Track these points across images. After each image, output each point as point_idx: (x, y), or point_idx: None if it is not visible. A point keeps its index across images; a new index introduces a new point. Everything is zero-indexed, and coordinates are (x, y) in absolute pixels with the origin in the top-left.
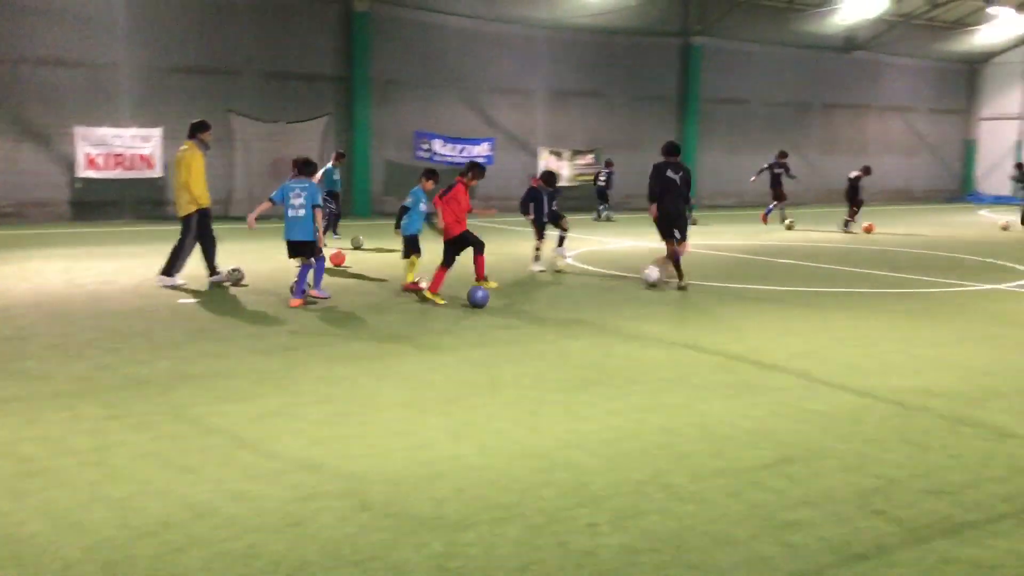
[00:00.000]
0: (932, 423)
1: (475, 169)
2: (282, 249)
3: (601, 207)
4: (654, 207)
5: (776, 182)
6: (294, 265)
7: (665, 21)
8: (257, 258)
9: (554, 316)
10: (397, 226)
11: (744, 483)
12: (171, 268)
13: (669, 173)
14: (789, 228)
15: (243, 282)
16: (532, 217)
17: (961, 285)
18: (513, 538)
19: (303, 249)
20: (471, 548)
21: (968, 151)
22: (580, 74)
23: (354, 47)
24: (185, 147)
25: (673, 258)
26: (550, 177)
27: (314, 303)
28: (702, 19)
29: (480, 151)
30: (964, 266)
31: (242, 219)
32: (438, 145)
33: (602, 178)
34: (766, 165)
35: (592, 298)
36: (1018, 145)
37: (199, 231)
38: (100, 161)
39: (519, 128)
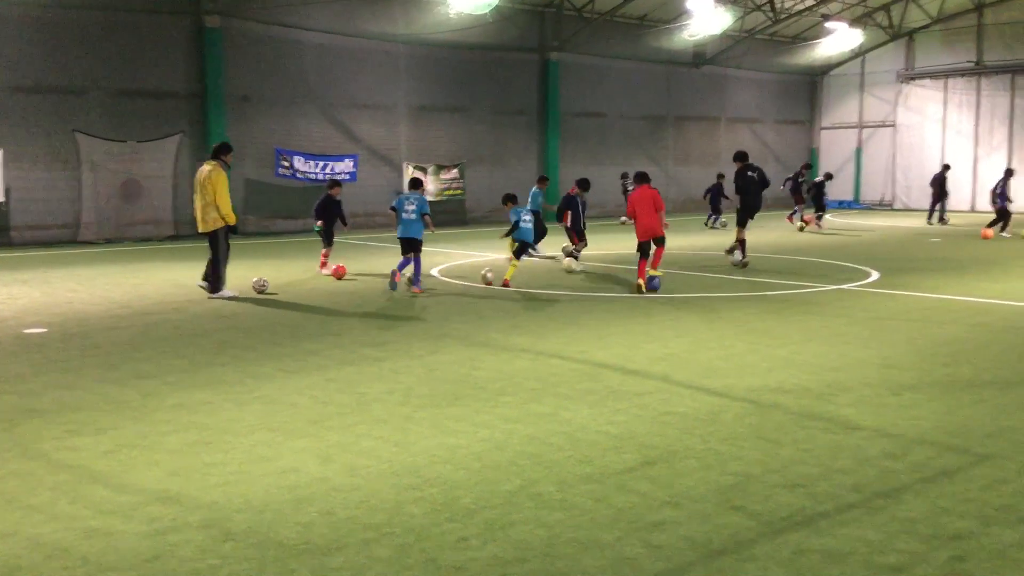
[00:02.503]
0: (784, 419)
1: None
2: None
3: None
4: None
5: (796, 189)
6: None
7: (523, 37)
8: (108, 283)
9: (422, 331)
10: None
11: (610, 487)
12: (217, 283)
13: (749, 173)
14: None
15: (267, 291)
16: (569, 224)
17: (809, 287)
18: (383, 558)
19: (412, 244)
20: (340, 572)
21: (812, 159)
22: (442, 89)
23: (207, 63)
24: (209, 167)
25: (742, 241)
26: (586, 184)
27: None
28: (558, 35)
29: (343, 167)
30: (812, 268)
31: (92, 244)
32: (299, 162)
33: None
34: (791, 176)
35: (460, 311)
36: (857, 152)
37: (214, 244)
38: None
39: (382, 144)
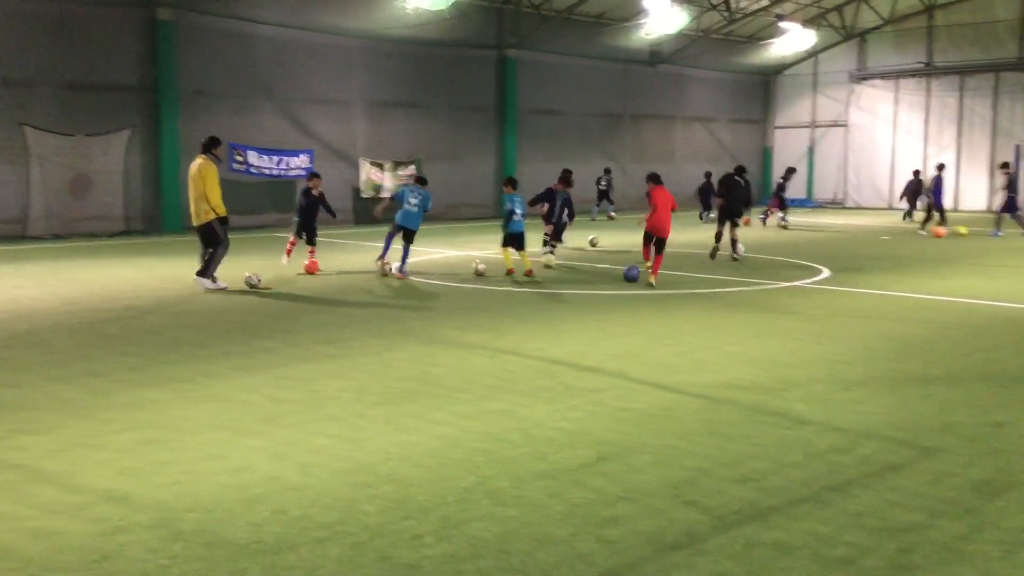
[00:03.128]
0: (737, 415)
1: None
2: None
3: (599, 207)
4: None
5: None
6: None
7: (480, 34)
8: (57, 280)
9: (378, 327)
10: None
11: (565, 483)
12: (207, 271)
13: (737, 178)
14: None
15: (262, 286)
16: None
17: (763, 284)
18: (335, 557)
19: (409, 235)
20: (292, 571)
21: (766, 158)
22: (399, 85)
23: (159, 56)
24: (199, 161)
25: (718, 234)
26: (567, 177)
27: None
28: (515, 32)
29: (299, 163)
30: (766, 266)
31: (40, 239)
32: (253, 157)
33: (603, 183)
34: (780, 181)
35: (417, 308)
36: (810, 151)
37: (211, 236)
38: None
39: (338, 139)
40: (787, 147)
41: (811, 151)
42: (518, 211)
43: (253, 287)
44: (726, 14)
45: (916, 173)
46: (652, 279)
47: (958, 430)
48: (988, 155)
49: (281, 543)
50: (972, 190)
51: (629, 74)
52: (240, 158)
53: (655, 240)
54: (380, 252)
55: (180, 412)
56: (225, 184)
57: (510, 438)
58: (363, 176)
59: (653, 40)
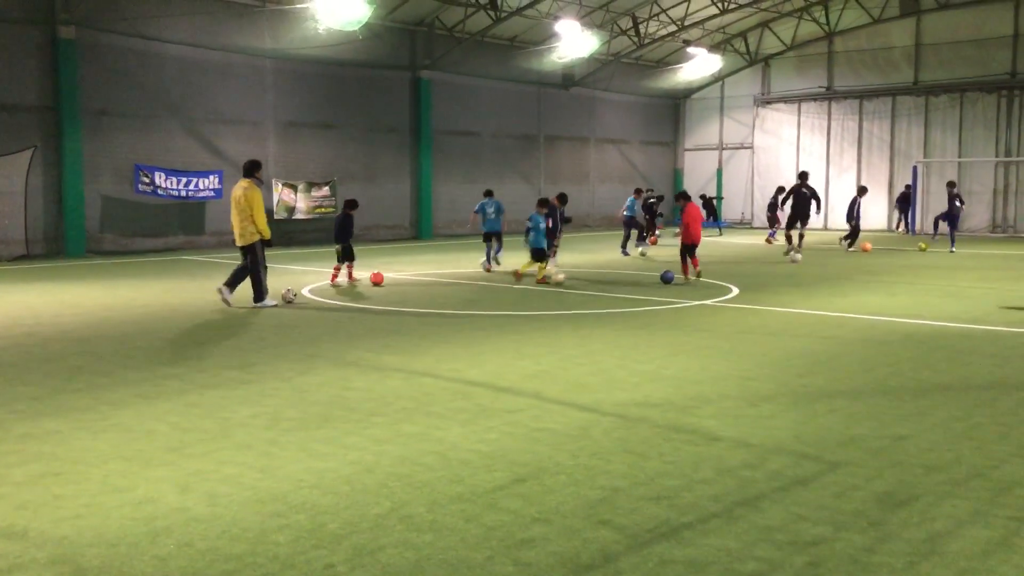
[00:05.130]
0: (650, 432)
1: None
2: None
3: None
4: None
5: (772, 208)
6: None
7: (394, 55)
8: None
9: (291, 351)
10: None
11: (480, 506)
12: (260, 293)
13: (803, 190)
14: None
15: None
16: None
17: (675, 303)
18: None
19: (494, 235)
20: None
21: (677, 179)
22: (312, 105)
23: (61, 75)
24: (245, 184)
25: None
26: (563, 199)
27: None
28: (429, 54)
29: (208, 184)
30: (677, 285)
31: None
32: (160, 178)
33: (651, 200)
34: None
35: (331, 331)
36: (719, 173)
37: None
38: None
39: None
40: (697, 169)
41: (719, 173)
42: (541, 226)
43: (289, 303)
44: (636, 39)
45: (908, 187)
46: (696, 274)
47: (862, 443)
48: (887, 176)
49: None
50: (873, 211)
51: (543, 96)
52: (147, 179)
53: (689, 247)
54: (484, 259)
55: (81, 443)
56: (130, 206)
57: (426, 461)
58: (276, 197)
59: (566, 63)
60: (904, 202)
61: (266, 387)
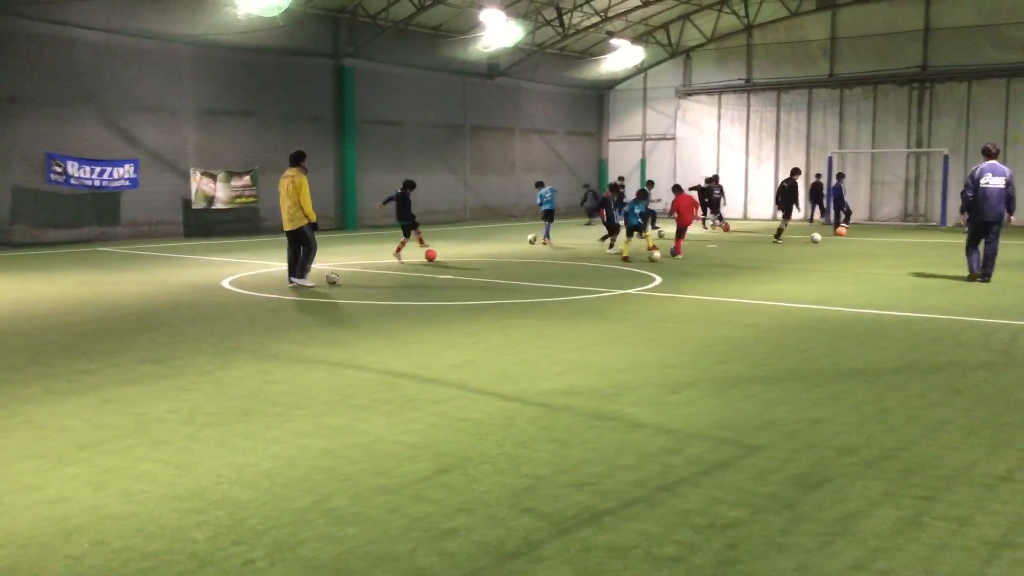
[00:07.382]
0: (574, 421)
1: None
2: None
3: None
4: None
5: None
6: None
7: (316, 42)
8: None
9: (211, 344)
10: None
11: (405, 498)
12: (303, 271)
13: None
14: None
15: (337, 282)
16: (604, 219)
17: (598, 292)
18: None
19: (550, 215)
20: None
21: (602, 169)
22: (231, 93)
23: None
24: (292, 172)
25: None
26: (615, 187)
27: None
28: (352, 42)
29: (123, 173)
30: (600, 274)
31: None
32: (73, 167)
33: (716, 192)
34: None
35: (253, 323)
36: (642, 163)
37: (303, 239)
38: None
39: (166, 149)
40: (621, 159)
41: (643, 163)
42: (636, 209)
43: (333, 284)
44: (559, 30)
45: (840, 177)
46: (679, 255)
47: (778, 427)
48: (804, 166)
49: None
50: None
51: (468, 86)
52: (59, 168)
53: (680, 230)
54: (543, 236)
55: None
56: (42, 196)
57: (349, 454)
58: (194, 187)
59: (491, 53)
60: (816, 192)
61: (184, 381)
